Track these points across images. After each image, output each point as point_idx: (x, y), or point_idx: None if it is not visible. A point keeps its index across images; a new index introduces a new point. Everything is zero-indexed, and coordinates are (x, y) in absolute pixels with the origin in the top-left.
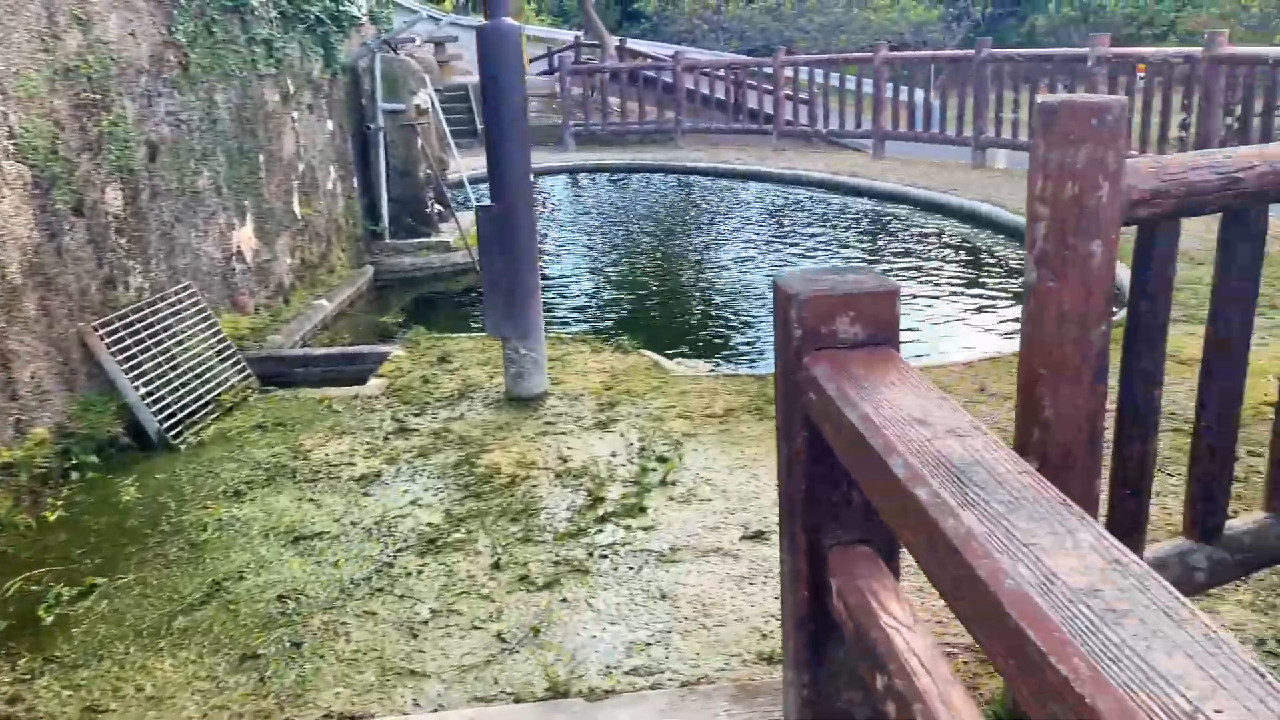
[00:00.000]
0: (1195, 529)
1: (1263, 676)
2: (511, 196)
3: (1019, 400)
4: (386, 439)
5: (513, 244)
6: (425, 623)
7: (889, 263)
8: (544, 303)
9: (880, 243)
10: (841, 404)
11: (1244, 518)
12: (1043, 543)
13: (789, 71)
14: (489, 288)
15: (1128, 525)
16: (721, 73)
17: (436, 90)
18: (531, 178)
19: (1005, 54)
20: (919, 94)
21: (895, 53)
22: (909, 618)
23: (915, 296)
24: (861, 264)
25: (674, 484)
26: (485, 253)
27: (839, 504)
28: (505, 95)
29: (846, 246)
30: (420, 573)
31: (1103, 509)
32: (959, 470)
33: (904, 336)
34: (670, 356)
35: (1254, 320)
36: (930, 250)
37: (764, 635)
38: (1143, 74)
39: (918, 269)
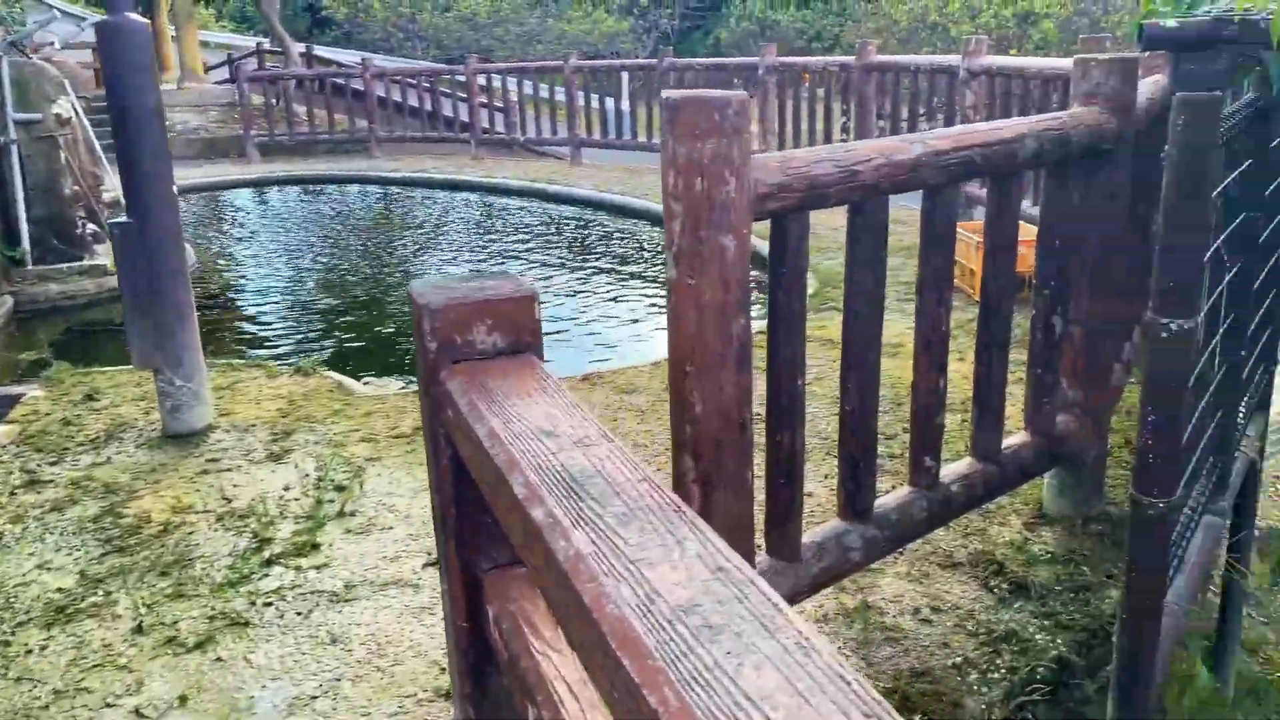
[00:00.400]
0: (848, 509)
1: (848, 684)
2: (149, 208)
3: (672, 398)
4: (13, 494)
5: (156, 261)
6: (46, 707)
7: (589, 268)
8: (222, 328)
9: (579, 249)
10: (472, 419)
11: (892, 495)
12: (651, 556)
13: (482, 79)
14: (131, 314)
15: (784, 513)
16: (414, 80)
17: (83, 98)
18: (174, 187)
19: (686, 63)
20: (610, 102)
21: (585, 61)
22: (560, 642)
23: (615, 300)
24: (562, 270)
25: (353, 514)
26: (124, 274)
27: (490, 525)
28: (134, 97)
29: (548, 254)
30: (44, 648)
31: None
32: (578, 483)
33: (605, 339)
34: (360, 376)
35: (883, 307)
36: (627, 254)
37: (443, 669)
38: (809, 82)
39: (615, 273)
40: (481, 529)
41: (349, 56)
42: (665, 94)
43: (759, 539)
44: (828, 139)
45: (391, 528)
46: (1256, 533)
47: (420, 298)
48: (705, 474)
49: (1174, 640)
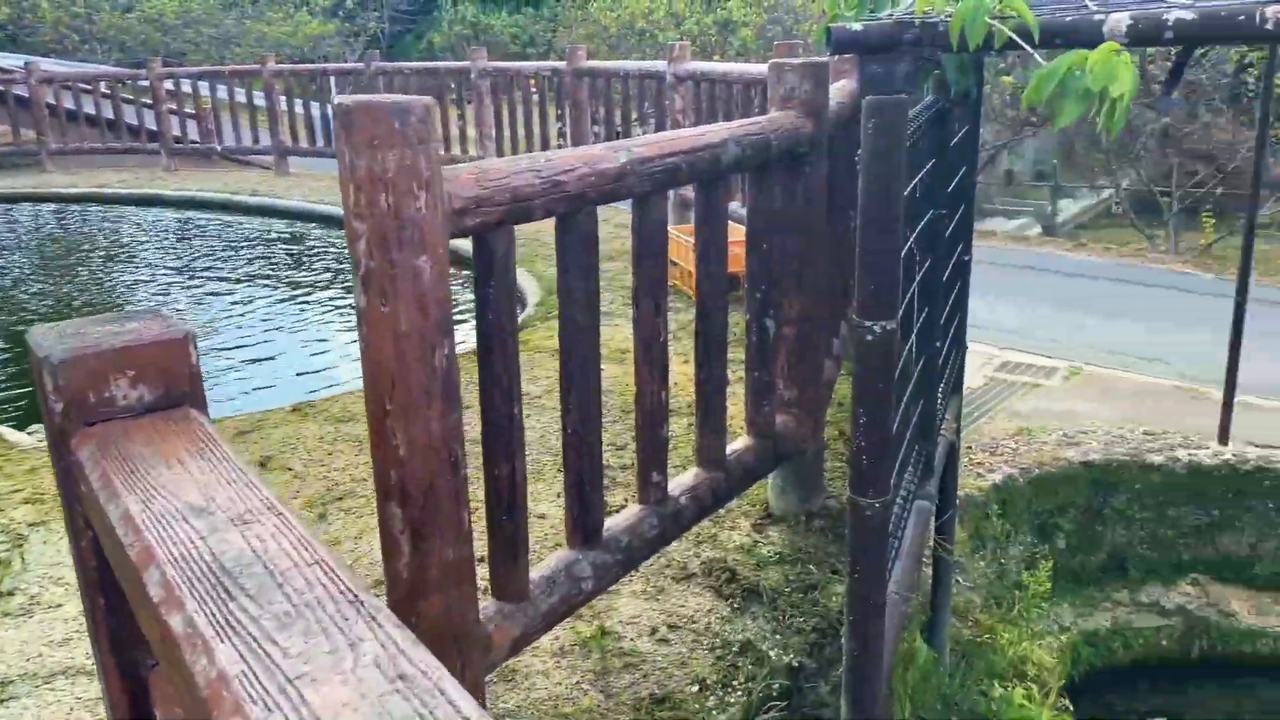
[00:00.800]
0: (577, 535)
1: None
2: None
3: (372, 441)
4: None
5: None
6: None
7: (303, 286)
8: None
9: (290, 265)
10: (104, 498)
11: (622, 515)
12: (316, 669)
13: (170, 84)
14: None
15: (509, 550)
16: (91, 86)
17: None
18: None
19: (395, 67)
20: (317, 108)
21: (285, 65)
22: None
23: (333, 320)
24: (271, 289)
25: (11, 593)
26: None
27: None
28: None
29: (255, 273)
30: None
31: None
32: (231, 576)
33: (321, 364)
34: (25, 427)
35: (600, 318)
36: (344, 269)
37: None
38: (535, 87)
39: (332, 292)
40: (135, 623)
41: (12, 61)
42: (337, 100)
43: (484, 579)
44: (545, 144)
45: (60, 605)
46: (958, 501)
47: (40, 348)
48: (415, 522)
49: (898, 628)
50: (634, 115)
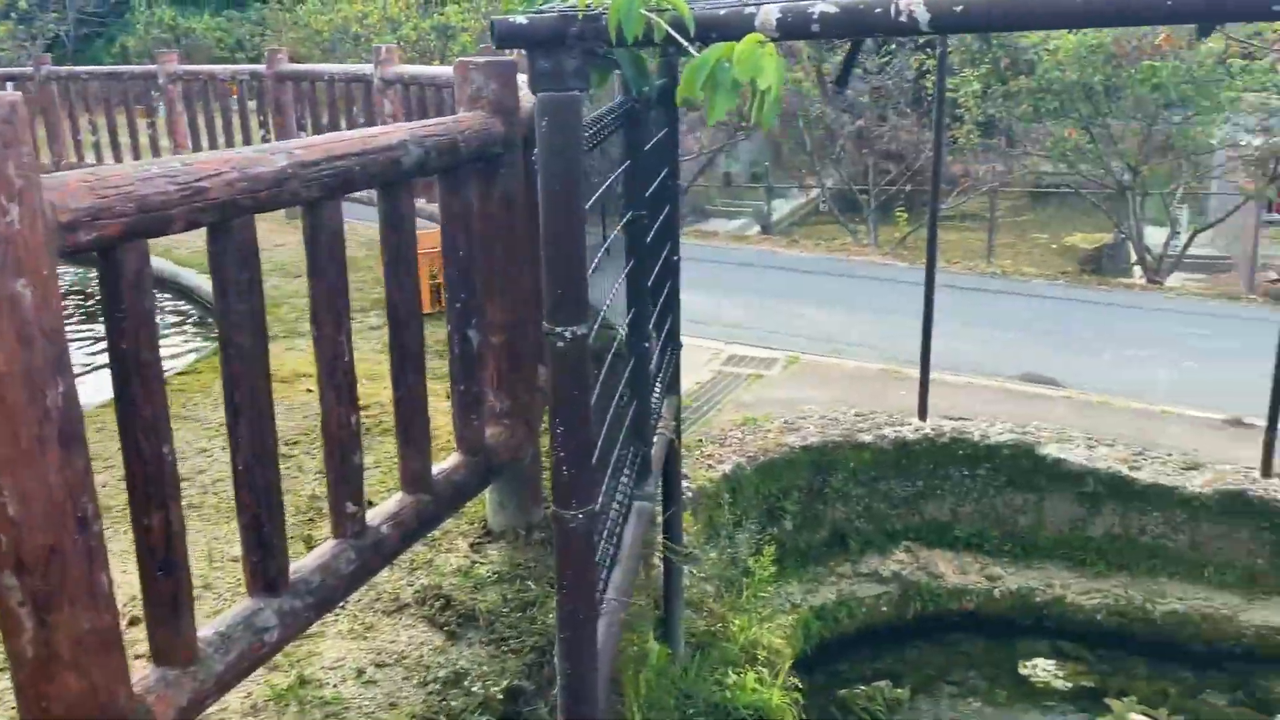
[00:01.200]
0: (258, 582)
1: None
2: None
3: None
4: None
5: None
6: None
7: None
8: None
9: None
10: None
11: (313, 553)
12: None
13: None
14: None
15: (168, 609)
16: None
17: None
18: None
19: (70, 72)
20: None
21: None
22: None
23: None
24: None
25: None
26: None
27: None
28: None
29: None
30: None
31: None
32: None
33: None
34: None
35: (266, 339)
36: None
37: None
38: (237, 95)
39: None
40: None
41: None
42: None
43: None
44: None
45: None
46: (690, 494)
47: None
48: (38, 591)
49: (617, 635)
50: (343, 121)
